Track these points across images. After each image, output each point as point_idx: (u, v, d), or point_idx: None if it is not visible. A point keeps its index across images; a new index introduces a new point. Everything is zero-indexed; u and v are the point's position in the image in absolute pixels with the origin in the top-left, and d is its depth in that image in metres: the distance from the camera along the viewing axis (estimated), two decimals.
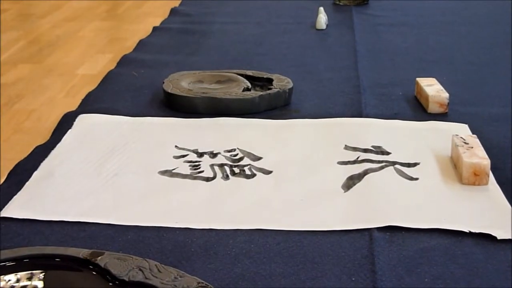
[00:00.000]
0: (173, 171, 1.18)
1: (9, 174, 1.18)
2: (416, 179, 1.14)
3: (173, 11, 2.26)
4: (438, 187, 1.12)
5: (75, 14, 2.45)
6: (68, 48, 2.03)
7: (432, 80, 1.47)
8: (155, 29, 2.06)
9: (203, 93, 1.43)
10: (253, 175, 1.16)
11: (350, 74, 1.64)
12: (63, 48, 2.03)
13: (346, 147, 1.25)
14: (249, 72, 1.55)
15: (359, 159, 1.21)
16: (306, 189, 1.11)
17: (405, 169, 1.17)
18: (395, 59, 1.77)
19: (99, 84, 1.61)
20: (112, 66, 1.75)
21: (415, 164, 1.19)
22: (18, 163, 1.22)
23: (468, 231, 0.99)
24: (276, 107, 1.44)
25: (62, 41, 2.10)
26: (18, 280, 0.88)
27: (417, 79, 1.49)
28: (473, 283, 0.89)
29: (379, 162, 1.20)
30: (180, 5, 2.35)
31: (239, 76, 1.52)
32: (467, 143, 1.17)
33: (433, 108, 1.40)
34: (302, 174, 1.16)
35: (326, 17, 2.03)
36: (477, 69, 1.69)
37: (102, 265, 0.87)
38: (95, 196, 1.10)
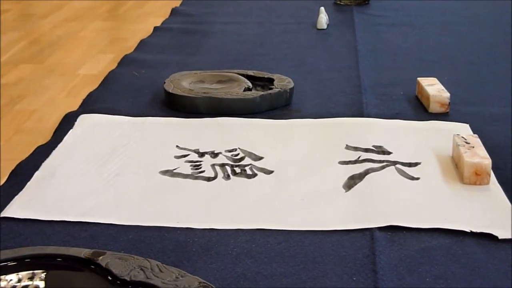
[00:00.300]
0: (174, 171, 1.18)
1: (10, 174, 1.18)
2: (417, 178, 1.14)
3: (174, 11, 2.26)
4: (439, 186, 1.12)
5: (76, 14, 2.45)
6: (69, 48, 2.03)
7: (433, 80, 1.48)
8: (156, 29, 2.06)
9: (204, 93, 1.43)
10: (254, 175, 1.16)
11: (351, 74, 1.64)
12: (64, 48, 2.03)
13: (347, 147, 1.25)
14: (250, 72, 1.55)
15: (360, 158, 1.21)
16: (307, 189, 1.11)
17: (406, 169, 1.17)
18: (396, 59, 1.77)
19: (100, 84, 1.61)
20: (113, 66, 1.75)
21: (416, 164, 1.19)
22: (20, 163, 1.22)
23: (469, 231, 0.99)
24: (277, 107, 1.44)
25: (63, 41, 2.10)
26: (19, 280, 0.88)
27: (418, 78, 1.49)
28: (474, 282, 0.89)
29: (380, 161, 1.20)
30: (181, 5, 2.35)
31: (240, 76, 1.52)
32: (468, 143, 1.17)
33: (434, 107, 1.40)
34: (303, 174, 1.16)
35: (327, 17, 2.03)
36: (478, 69, 1.69)
37: (104, 265, 0.87)
38: (97, 196, 1.10)
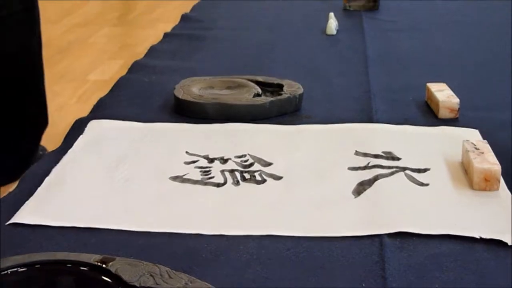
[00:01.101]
0: (184, 176, 1.18)
1: (21, 180, 1.18)
2: (427, 184, 1.14)
3: (184, 17, 2.26)
4: (448, 192, 1.12)
5: (86, 20, 2.47)
6: (79, 54, 2.05)
7: (443, 85, 1.47)
8: (166, 35, 2.06)
9: (214, 99, 1.43)
10: (264, 181, 1.16)
11: (361, 79, 1.65)
12: (74, 54, 2.04)
13: (357, 153, 1.25)
14: (260, 78, 1.55)
15: (369, 164, 1.21)
16: (317, 195, 1.11)
17: (416, 175, 1.17)
18: (405, 64, 1.77)
19: (110, 90, 1.61)
20: (123, 72, 1.75)
21: (425, 170, 1.19)
22: (30, 169, 1.22)
23: (479, 237, 0.99)
24: (287, 113, 1.44)
25: (73, 47, 2.11)
26: None
27: (427, 84, 1.49)
28: None
29: (389, 167, 1.20)
30: (191, 11, 2.35)
31: (249, 82, 1.52)
32: (478, 149, 1.17)
33: (443, 113, 1.40)
34: (313, 180, 1.16)
35: (336, 22, 2.03)
36: (488, 74, 1.68)
37: (114, 270, 0.87)
38: (107, 202, 1.10)
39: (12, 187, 1.18)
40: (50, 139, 1.39)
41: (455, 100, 1.40)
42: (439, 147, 1.27)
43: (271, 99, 1.44)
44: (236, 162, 1.23)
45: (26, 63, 1.67)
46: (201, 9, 2.36)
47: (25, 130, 1.66)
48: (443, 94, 1.42)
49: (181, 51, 1.91)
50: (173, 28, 2.15)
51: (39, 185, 1.15)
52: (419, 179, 1.16)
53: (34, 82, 1.68)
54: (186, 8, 2.40)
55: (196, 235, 1.01)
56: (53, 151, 1.29)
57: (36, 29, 1.68)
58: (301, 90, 1.48)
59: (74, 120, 1.42)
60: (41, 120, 1.67)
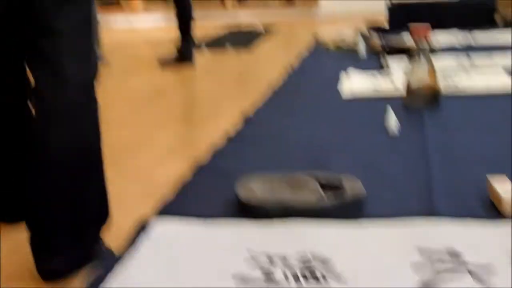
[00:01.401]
0: (246, 275, 1.19)
1: (88, 283, 1.20)
2: (491, 283, 1.12)
3: (246, 120, 2.28)
4: None
5: (151, 119, 2.53)
6: (144, 153, 2.08)
7: (505, 179, 1.46)
8: (228, 138, 2.08)
9: (276, 200, 1.43)
10: (324, 279, 1.16)
11: (422, 175, 1.64)
12: (138, 152, 2.08)
13: (419, 249, 1.24)
14: (321, 176, 1.54)
15: (432, 261, 1.20)
16: None
17: (480, 272, 1.15)
18: (467, 159, 1.76)
19: (174, 190, 1.64)
20: (187, 171, 1.78)
21: (489, 267, 1.17)
22: (96, 270, 1.24)
23: None
24: (349, 216, 1.42)
25: (138, 145, 2.15)
26: None
27: (489, 178, 1.48)
28: None
29: (452, 264, 1.18)
30: (253, 114, 2.38)
31: (311, 180, 1.51)
32: None
33: (506, 208, 1.38)
34: (374, 278, 1.16)
35: (396, 121, 2.04)
36: None
37: None
38: None
39: (76, 278, 1.19)
40: (114, 238, 1.42)
41: None
42: (503, 243, 1.25)
43: (334, 202, 1.42)
44: (296, 260, 1.23)
45: (87, 153, 1.72)
46: (262, 111, 2.40)
47: (87, 221, 1.69)
48: (506, 189, 1.41)
49: (243, 152, 1.93)
50: (236, 130, 2.17)
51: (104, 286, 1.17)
52: (483, 277, 1.14)
53: (95, 174, 1.73)
54: (247, 106, 2.42)
55: None
56: (118, 253, 1.31)
57: (96, 121, 1.74)
58: (364, 193, 1.46)
59: (138, 219, 1.45)
60: (102, 212, 1.70)
